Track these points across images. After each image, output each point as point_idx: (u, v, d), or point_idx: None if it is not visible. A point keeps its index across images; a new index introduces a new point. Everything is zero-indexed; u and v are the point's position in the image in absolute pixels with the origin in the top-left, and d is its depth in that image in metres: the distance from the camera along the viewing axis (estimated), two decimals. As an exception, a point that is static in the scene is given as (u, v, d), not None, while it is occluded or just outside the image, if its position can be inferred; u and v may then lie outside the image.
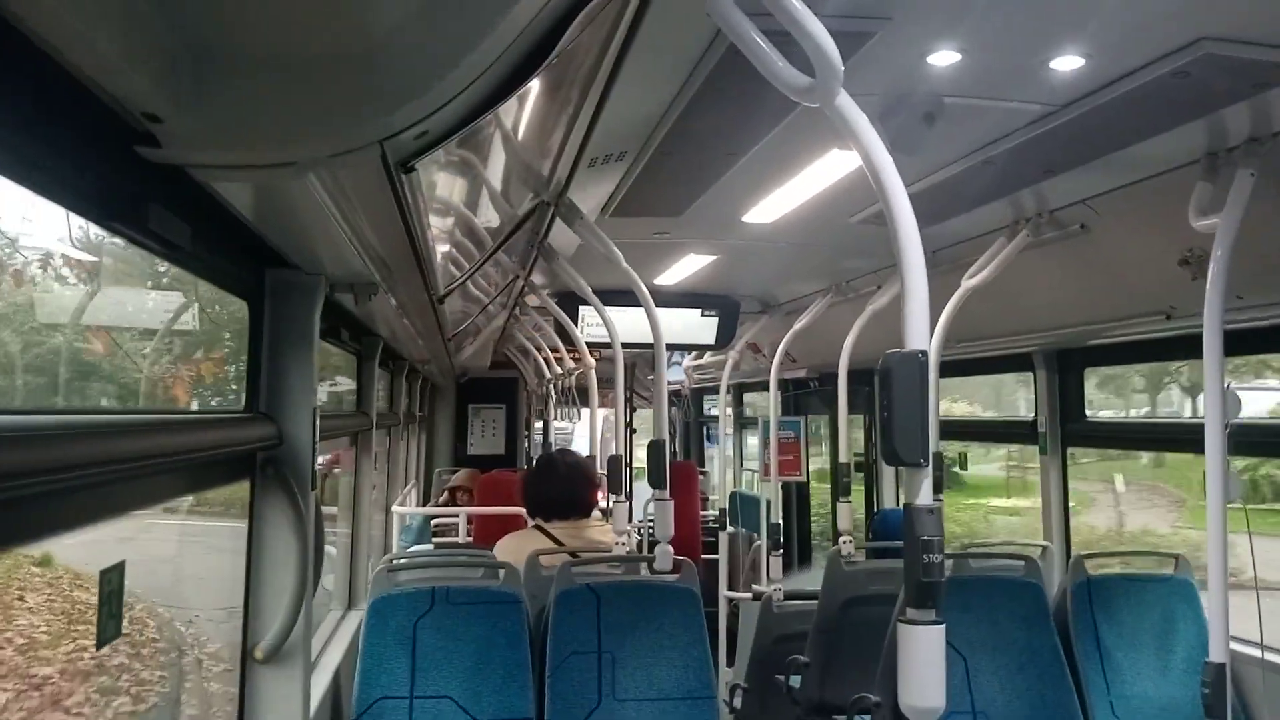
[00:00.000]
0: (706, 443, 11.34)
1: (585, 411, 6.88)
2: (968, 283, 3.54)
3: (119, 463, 1.49)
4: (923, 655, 1.62)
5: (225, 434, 2.11)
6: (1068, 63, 2.16)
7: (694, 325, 6.14)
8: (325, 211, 1.72)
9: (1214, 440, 2.51)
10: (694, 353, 8.65)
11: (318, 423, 2.36)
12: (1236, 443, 2.58)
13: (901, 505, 1.69)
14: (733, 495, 7.60)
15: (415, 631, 3.18)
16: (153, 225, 1.48)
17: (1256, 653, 3.07)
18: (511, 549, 4.13)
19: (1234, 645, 2.68)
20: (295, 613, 2.26)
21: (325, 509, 4.38)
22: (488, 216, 2.86)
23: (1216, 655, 2.48)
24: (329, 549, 4.22)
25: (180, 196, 1.55)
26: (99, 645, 1.52)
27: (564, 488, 4.27)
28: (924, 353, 1.61)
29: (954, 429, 5.44)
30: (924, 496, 1.62)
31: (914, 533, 1.61)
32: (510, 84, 1.53)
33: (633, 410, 10.60)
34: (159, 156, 1.33)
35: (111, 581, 1.50)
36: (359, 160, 1.45)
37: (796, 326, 5.40)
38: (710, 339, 6.22)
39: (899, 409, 1.61)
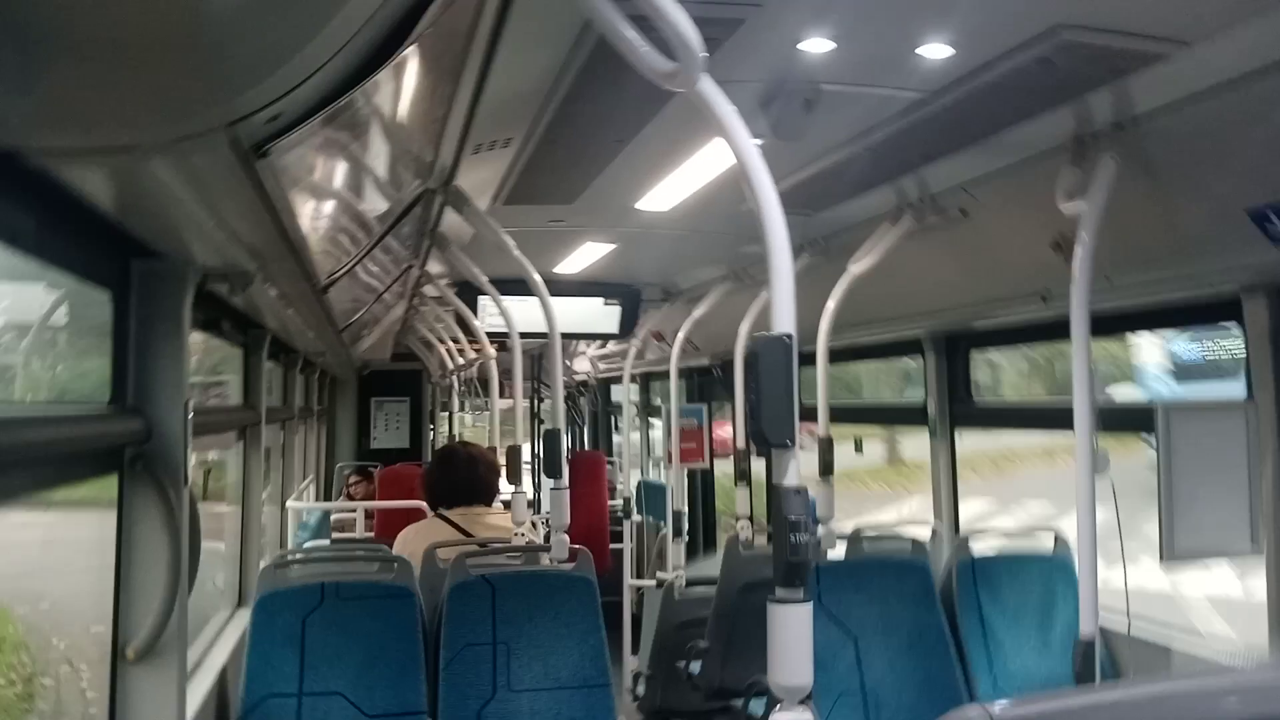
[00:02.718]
0: (615, 433, 11.35)
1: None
2: (853, 268, 3.60)
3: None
4: (792, 634, 1.65)
5: (88, 428, 2.04)
6: (935, 50, 2.20)
7: (596, 314, 6.13)
8: (181, 198, 1.67)
9: (1082, 419, 2.59)
10: (599, 342, 8.65)
11: (190, 417, 2.29)
12: (1104, 420, 2.68)
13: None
14: (639, 484, 7.62)
15: (304, 628, 3.12)
16: (-11, 213, 1.42)
17: (1125, 627, 3.20)
18: (413, 540, 4.09)
19: (1104, 619, 2.78)
20: (169, 611, 2.20)
21: (216, 506, 4.28)
22: (371, 203, 2.81)
23: (1086, 630, 2.56)
24: (218, 545, 4.13)
25: (21, 183, 1.48)
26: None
27: (465, 476, 4.27)
28: (789, 335, 1.63)
29: (847, 413, 5.53)
30: (791, 477, 1.64)
31: (782, 513, 1.63)
32: (370, 65, 1.50)
33: (540, 401, 10.55)
34: None
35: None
36: (206, 145, 1.41)
37: (695, 314, 5.43)
38: (613, 328, 6.22)
39: (766, 391, 1.62)
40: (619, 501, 8.42)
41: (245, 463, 4.02)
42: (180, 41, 1.19)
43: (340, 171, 2.19)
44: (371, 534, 5.88)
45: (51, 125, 1.28)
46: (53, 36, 1.17)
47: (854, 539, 3.76)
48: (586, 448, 11.16)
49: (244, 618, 3.73)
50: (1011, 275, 3.41)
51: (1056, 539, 3.72)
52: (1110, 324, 3.00)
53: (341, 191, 2.36)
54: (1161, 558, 2.65)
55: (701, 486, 8.06)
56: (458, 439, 9.45)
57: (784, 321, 1.64)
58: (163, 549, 2.22)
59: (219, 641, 3.51)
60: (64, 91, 1.20)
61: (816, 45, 2.24)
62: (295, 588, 3.20)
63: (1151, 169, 2.55)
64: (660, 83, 1.62)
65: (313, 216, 2.28)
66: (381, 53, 1.49)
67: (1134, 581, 3.10)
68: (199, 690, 2.91)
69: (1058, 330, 3.29)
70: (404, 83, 1.93)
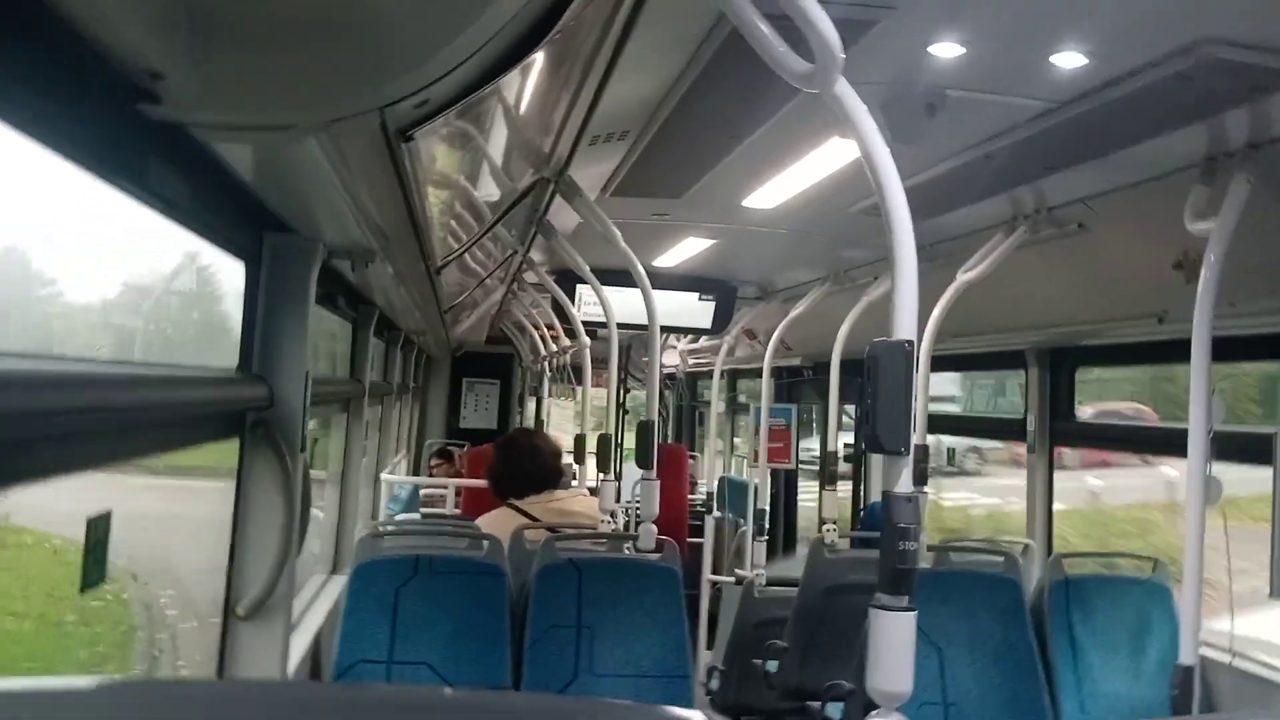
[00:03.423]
0: (698, 427, 11.36)
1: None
2: (963, 277, 3.56)
3: (105, 412, 1.50)
4: (893, 641, 1.65)
5: (216, 392, 2.12)
6: (1069, 59, 2.17)
7: (691, 308, 6.15)
8: (324, 177, 1.73)
9: (1197, 445, 2.53)
10: (690, 336, 8.65)
11: (309, 386, 2.37)
12: (1220, 448, 2.60)
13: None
14: (721, 480, 7.61)
15: (397, 598, 3.21)
16: (152, 183, 1.49)
17: (1228, 657, 3.10)
18: (488, 526, 4.14)
19: (1205, 650, 2.71)
20: (279, 572, 2.29)
21: (314, 473, 4.41)
22: (487, 190, 2.87)
23: (1186, 658, 2.50)
24: (316, 512, 4.25)
25: (181, 156, 1.56)
26: (82, 589, 1.54)
27: (528, 466, 4.24)
28: (910, 342, 1.63)
29: (944, 423, 5.47)
30: (903, 485, 1.64)
31: (891, 520, 1.63)
32: (512, 56, 1.54)
33: (626, 391, 10.60)
34: (160, 114, 1.33)
35: (98, 530, 1.52)
36: (358, 127, 1.47)
37: (792, 314, 5.41)
38: (706, 323, 6.23)
39: (883, 397, 1.62)
40: (699, 496, 8.46)
41: (347, 434, 4.13)
42: (347, 26, 1.24)
43: (467, 158, 2.24)
44: (459, 511, 6.00)
45: (218, 102, 1.35)
46: (227, 19, 1.22)
47: (941, 549, 3.72)
48: (670, 440, 11.18)
49: (337, 583, 3.85)
50: (1127, 293, 3.34)
51: (1156, 563, 3.63)
52: (1229, 348, 2.90)
53: (466, 177, 2.42)
54: (1272, 593, 2.58)
55: (785, 487, 8.03)
56: (544, 424, 9.59)
57: (906, 327, 1.64)
58: (277, 512, 2.31)
59: (315, 605, 3.62)
60: (234, 71, 1.26)
61: (946, 50, 2.22)
62: (391, 558, 3.28)
63: (1288, 191, 2.47)
64: (796, 84, 1.63)
65: (438, 200, 2.34)
66: (522, 46, 1.53)
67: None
68: (296, 651, 3.01)
69: (1170, 351, 3.20)
70: (535, 75, 1.97)
